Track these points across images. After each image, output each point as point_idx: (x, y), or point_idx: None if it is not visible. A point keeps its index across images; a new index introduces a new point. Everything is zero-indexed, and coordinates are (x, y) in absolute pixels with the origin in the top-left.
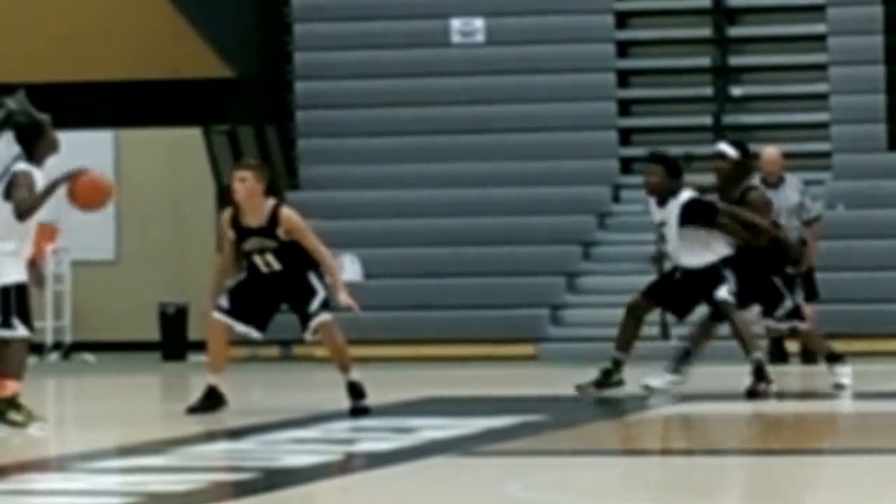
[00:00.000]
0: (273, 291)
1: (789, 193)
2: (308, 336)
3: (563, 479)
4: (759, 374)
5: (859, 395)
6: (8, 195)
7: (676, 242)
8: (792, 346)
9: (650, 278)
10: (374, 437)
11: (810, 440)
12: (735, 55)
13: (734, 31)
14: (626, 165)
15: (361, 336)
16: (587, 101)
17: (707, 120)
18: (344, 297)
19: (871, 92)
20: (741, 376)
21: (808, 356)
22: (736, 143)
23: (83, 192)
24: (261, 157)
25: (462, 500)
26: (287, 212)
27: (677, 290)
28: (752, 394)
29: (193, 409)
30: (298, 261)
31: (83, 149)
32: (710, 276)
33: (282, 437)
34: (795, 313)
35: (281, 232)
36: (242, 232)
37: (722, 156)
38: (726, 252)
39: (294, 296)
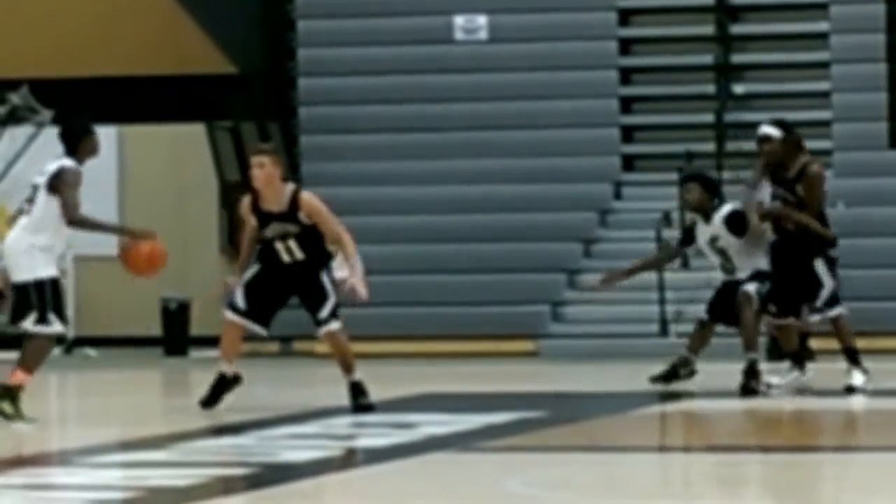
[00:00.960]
0: (286, 285)
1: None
2: (320, 334)
3: (562, 475)
4: (752, 372)
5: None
6: (52, 188)
7: (735, 253)
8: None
9: (651, 276)
10: (374, 433)
11: (809, 437)
12: (737, 53)
13: (736, 29)
14: (628, 162)
15: (362, 332)
16: (589, 98)
17: (709, 117)
18: (359, 284)
19: (872, 90)
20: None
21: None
22: (777, 123)
23: (138, 260)
24: None
25: (461, 496)
26: (307, 195)
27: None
28: (745, 389)
29: (206, 403)
30: (315, 254)
31: None
32: (750, 279)
33: (282, 432)
34: (834, 301)
35: (302, 216)
36: (264, 217)
37: (767, 138)
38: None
39: (307, 294)
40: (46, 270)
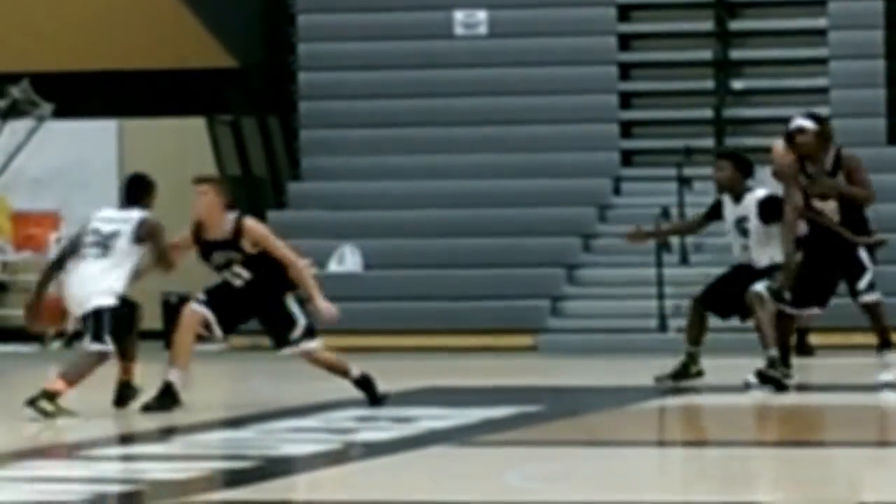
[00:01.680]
0: (247, 305)
1: None
2: (284, 353)
3: (561, 469)
4: (772, 368)
5: (863, 388)
6: (140, 239)
7: (756, 238)
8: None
9: (650, 271)
10: (374, 427)
11: (810, 432)
12: (736, 49)
13: (735, 25)
14: (627, 158)
15: (362, 326)
16: (589, 93)
17: (708, 113)
18: (323, 305)
19: (871, 87)
20: (741, 369)
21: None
22: (811, 116)
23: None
24: (264, 147)
25: (460, 490)
26: (250, 222)
27: (734, 289)
28: (762, 376)
29: (148, 408)
30: (269, 277)
31: (87, 138)
32: (765, 273)
33: (281, 426)
34: (872, 286)
35: (246, 244)
36: (207, 246)
37: (801, 130)
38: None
39: (270, 320)
40: (111, 300)
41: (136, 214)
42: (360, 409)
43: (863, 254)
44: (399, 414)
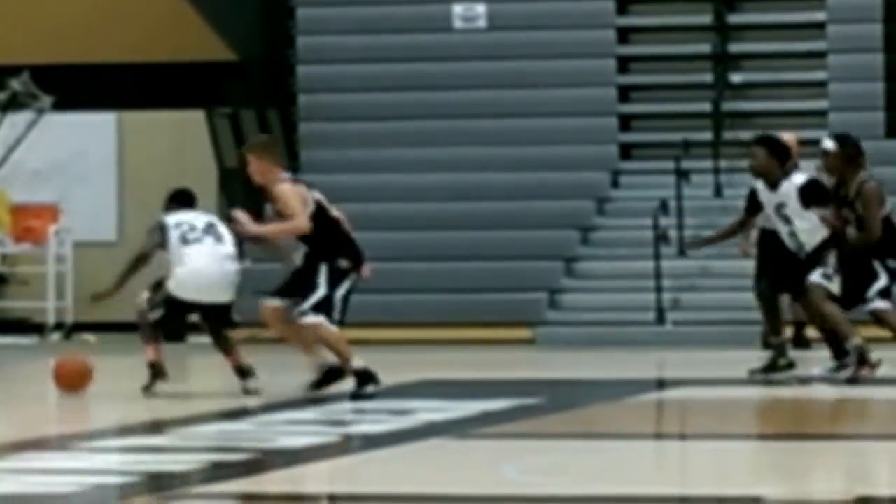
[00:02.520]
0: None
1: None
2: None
3: (558, 462)
4: (862, 359)
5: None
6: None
7: (799, 224)
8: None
9: (648, 264)
10: (371, 419)
11: (807, 424)
12: (735, 42)
13: (734, 19)
14: (626, 151)
15: (360, 318)
16: (587, 86)
17: (706, 106)
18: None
19: (869, 80)
20: (742, 362)
21: (800, 342)
22: (837, 137)
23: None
24: None
25: (458, 483)
26: (279, 187)
27: (793, 271)
28: (852, 381)
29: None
30: (313, 243)
31: (86, 131)
32: (816, 257)
33: (279, 418)
34: (886, 293)
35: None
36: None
37: (825, 153)
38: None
39: (296, 281)
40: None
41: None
42: (358, 402)
43: (878, 265)
44: (397, 406)
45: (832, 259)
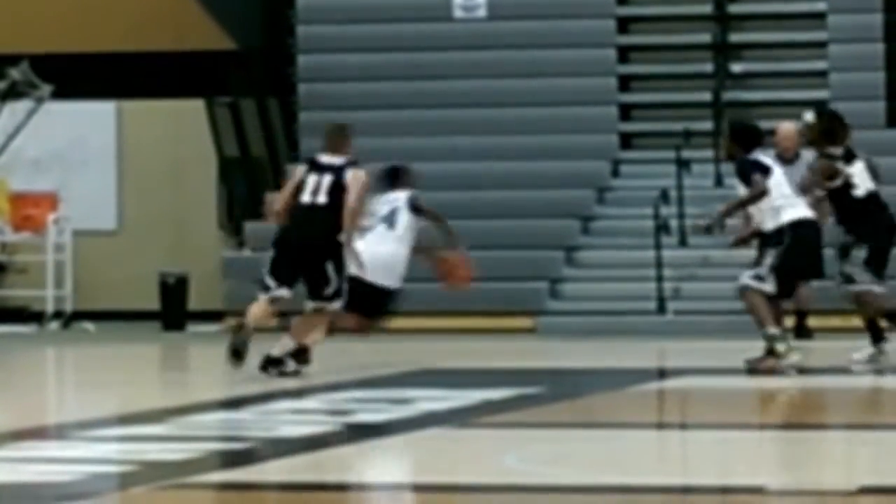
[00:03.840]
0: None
1: (804, 170)
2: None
3: (559, 451)
4: (770, 350)
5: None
6: (416, 210)
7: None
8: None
9: (649, 253)
10: (372, 409)
11: (809, 415)
12: (735, 32)
13: (734, 8)
14: (626, 141)
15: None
16: (588, 76)
17: (706, 96)
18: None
19: (870, 69)
20: (743, 352)
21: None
22: (818, 110)
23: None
24: (263, 129)
25: (459, 472)
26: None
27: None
28: (751, 371)
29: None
30: None
31: (86, 119)
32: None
33: (280, 407)
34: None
35: None
36: None
37: (806, 125)
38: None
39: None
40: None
41: (406, 194)
42: (360, 391)
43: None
44: (397, 395)
45: (768, 259)
